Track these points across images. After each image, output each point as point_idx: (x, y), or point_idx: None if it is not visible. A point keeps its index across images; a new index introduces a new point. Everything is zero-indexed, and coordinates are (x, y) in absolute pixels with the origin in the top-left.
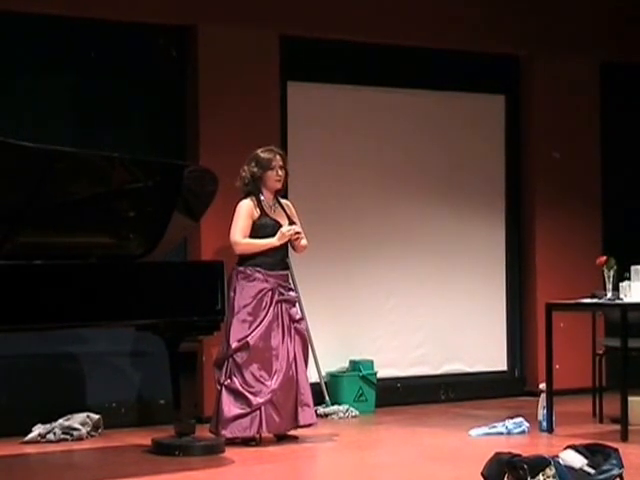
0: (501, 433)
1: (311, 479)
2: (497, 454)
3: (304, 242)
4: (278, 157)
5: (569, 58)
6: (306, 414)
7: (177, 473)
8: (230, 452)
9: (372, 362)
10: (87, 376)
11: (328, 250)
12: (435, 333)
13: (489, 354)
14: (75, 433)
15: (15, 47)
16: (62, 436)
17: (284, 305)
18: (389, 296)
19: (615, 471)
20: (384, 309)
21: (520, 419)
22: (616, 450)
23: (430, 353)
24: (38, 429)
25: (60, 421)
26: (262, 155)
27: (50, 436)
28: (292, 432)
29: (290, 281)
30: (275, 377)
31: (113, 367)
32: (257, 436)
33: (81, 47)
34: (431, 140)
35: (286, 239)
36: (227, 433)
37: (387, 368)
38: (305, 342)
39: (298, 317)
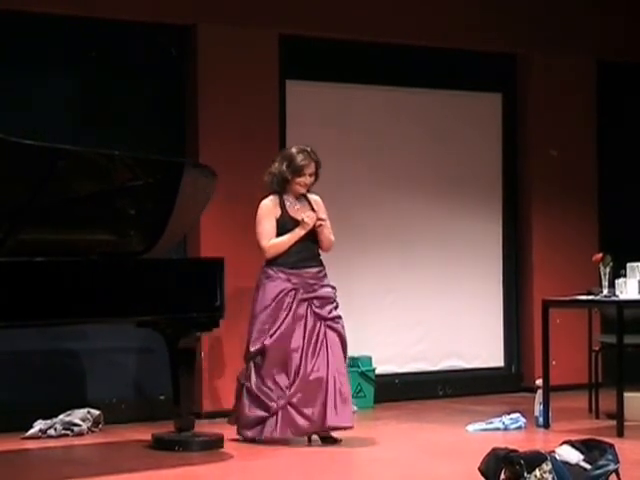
0: (498, 429)
1: (309, 474)
2: (494, 449)
3: (330, 236)
4: (313, 164)
5: (566, 56)
6: (339, 416)
7: (177, 468)
8: (229, 447)
9: (370, 358)
10: (87, 372)
11: None
12: (433, 330)
13: (486, 350)
14: (76, 429)
15: (15, 46)
16: (63, 432)
17: (311, 303)
18: (387, 293)
19: (611, 466)
20: (382, 305)
21: (517, 415)
22: (612, 446)
23: (428, 349)
24: (39, 425)
25: (61, 417)
26: (297, 158)
27: (51, 432)
28: (334, 434)
29: (324, 278)
30: (295, 379)
31: (113, 363)
32: (289, 437)
33: (81, 46)
34: (429, 138)
35: (309, 226)
36: (250, 434)
37: (385, 364)
38: (342, 340)
39: (331, 315)
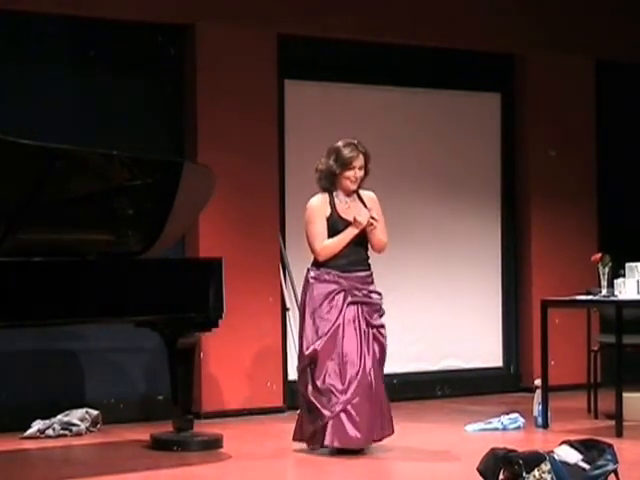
0: (497, 429)
1: (307, 474)
2: (493, 449)
3: (382, 237)
4: (361, 156)
5: (565, 56)
6: (385, 429)
7: (175, 468)
8: (228, 447)
9: None
10: (86, 372)
11: None
12: (432, 330)
13: (485, 350)
14: (74, 429)
15: (14, 46)
16: (61, 432)
17: (361, 307)
18: (386, 292)
19: (610, 466)
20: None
21: (516, 415)
22: (611, 446)
23: (427, 349)
24: (37, 425)
25: (59, 417)
26: (344, 151)
27: (49, 431)
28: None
29: (372, 283)
30: (349, 385)
31: (112, 363)
32: (332, 445)
33: (80, 46)
34: (428, 138)
35: (363, 225)
36: (309, 447)
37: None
38: (382, 351)
39: (377, 323)
